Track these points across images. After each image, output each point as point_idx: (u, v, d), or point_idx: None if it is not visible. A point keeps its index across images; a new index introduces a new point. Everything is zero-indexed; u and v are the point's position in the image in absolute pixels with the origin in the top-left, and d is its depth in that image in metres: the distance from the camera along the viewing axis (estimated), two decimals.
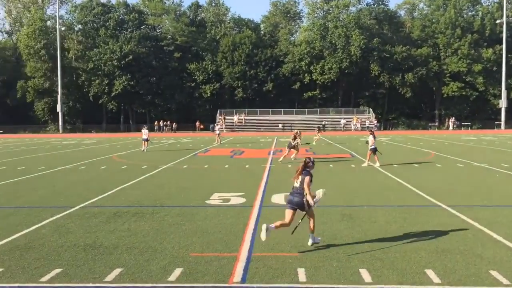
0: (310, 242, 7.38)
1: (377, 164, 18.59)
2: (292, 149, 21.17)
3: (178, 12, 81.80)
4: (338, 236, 8.01)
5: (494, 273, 6.13)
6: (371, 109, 69.54)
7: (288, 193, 7.61)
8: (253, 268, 6.37)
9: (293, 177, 7.50)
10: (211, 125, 42.36)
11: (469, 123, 67.65)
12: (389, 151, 25.88)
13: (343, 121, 64.49)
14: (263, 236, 7.03)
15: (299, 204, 7.17)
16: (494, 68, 68.88)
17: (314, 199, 7.17)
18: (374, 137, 19.18)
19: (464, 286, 5.69)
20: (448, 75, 71.42)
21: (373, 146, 18.87)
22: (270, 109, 69.81)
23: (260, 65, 72.61)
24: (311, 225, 7.36)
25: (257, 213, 9.97)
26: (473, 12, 76.52)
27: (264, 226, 7.07)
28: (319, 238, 7.52)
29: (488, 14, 72.68)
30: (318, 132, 37.56)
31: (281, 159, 20.83)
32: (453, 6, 71.97)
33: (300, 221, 7.22)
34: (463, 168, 18.27)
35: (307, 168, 7.43)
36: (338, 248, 7.26)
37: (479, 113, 73.21)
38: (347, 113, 68.60)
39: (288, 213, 7.21)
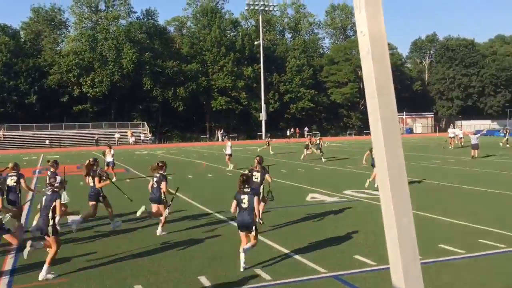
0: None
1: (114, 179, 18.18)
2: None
3: None
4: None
5: (258, 271, 6.64)
6: (145, 123, 69.64)
7: None
8: None
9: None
10: None
11: (236, 135, 73.56)
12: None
13: (117, 135, 62.86)
14: None
15: None
16: (254, 85, 76.67)
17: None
18: (113, 151, 20.65)
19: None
20: (216, 90, 76.39)
21: (109, 160, 20.15)
22: (34, 124, 63.49)
23: (21, 76, 65.43)
24: None
25: None
26: (235, 33, 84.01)
27: None
28: None
29: (247, 36, 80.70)
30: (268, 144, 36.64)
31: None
32: (217, 26, 77.66)
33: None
34: (232, 176, 19.68)
35: None
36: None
37: (244, 125, 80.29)
38: (122, 127, 67.19)
39: None
